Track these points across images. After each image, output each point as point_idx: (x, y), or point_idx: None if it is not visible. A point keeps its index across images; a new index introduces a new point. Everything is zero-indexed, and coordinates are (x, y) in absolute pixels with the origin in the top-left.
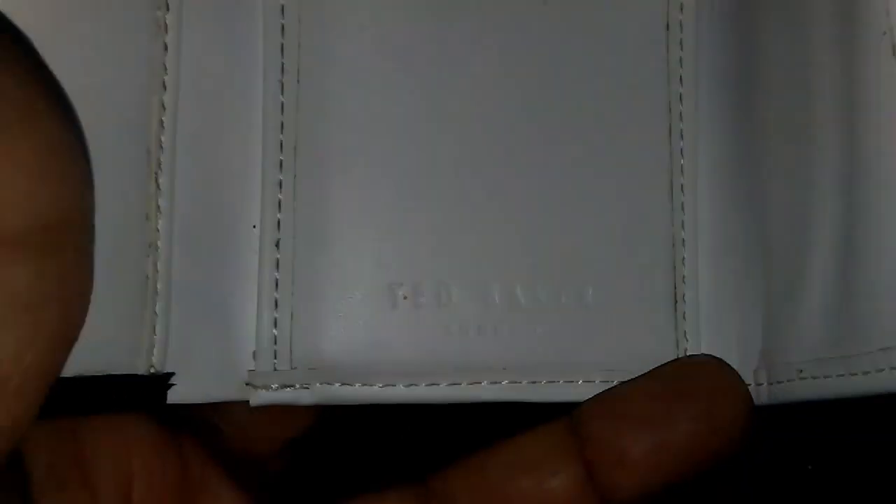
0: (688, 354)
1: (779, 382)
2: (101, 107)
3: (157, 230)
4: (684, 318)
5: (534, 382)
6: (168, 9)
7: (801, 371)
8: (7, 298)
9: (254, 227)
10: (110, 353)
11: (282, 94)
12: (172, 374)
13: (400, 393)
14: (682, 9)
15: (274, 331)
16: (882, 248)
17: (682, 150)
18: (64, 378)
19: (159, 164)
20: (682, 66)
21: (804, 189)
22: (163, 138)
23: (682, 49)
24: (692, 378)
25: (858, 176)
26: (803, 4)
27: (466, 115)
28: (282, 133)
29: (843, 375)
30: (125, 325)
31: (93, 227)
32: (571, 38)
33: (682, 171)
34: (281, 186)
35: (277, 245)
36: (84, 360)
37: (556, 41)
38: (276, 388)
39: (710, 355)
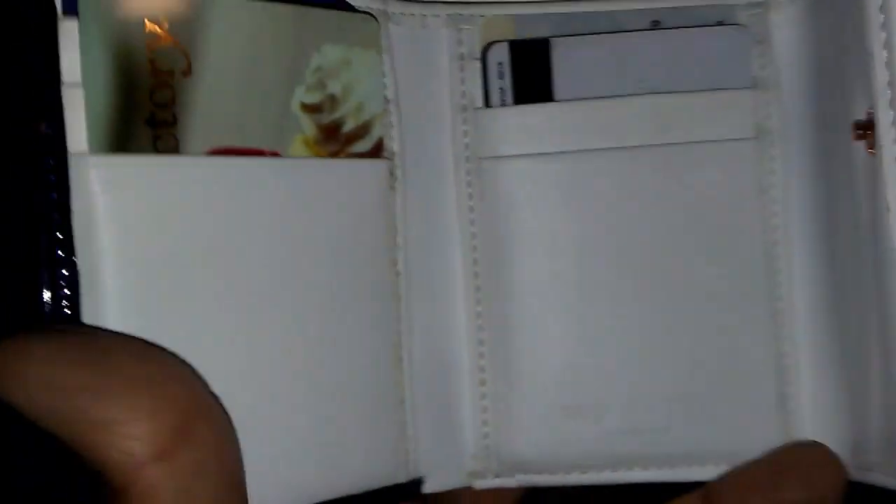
0: (794, 440)
1: (864, 469)
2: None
3: (403, 372)
4: (791, 413)
5: (674, 469)
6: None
7: (874, 462)
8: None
9: (465, 371)
10: (380, 470)
11: (477, 290)
12: (423, 476)
13: (576, 478)
14: (773, 173)
15: (486, 441)
16: None
17: (780, 283)
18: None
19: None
20: (775, 217)
21: (860, 320)
22: (402, 308)
23: (775, 204)
24: (798, 456)
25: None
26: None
27: (614, 269)
28: (478, 305)
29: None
30: (390, 447)
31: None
32: (688, 202)
33: (782, 298)
34: (482, 343)
35: (482, 383)
36: (359, 479)
37: (679, 206)
38: (491, 477)
39: (812, 440)
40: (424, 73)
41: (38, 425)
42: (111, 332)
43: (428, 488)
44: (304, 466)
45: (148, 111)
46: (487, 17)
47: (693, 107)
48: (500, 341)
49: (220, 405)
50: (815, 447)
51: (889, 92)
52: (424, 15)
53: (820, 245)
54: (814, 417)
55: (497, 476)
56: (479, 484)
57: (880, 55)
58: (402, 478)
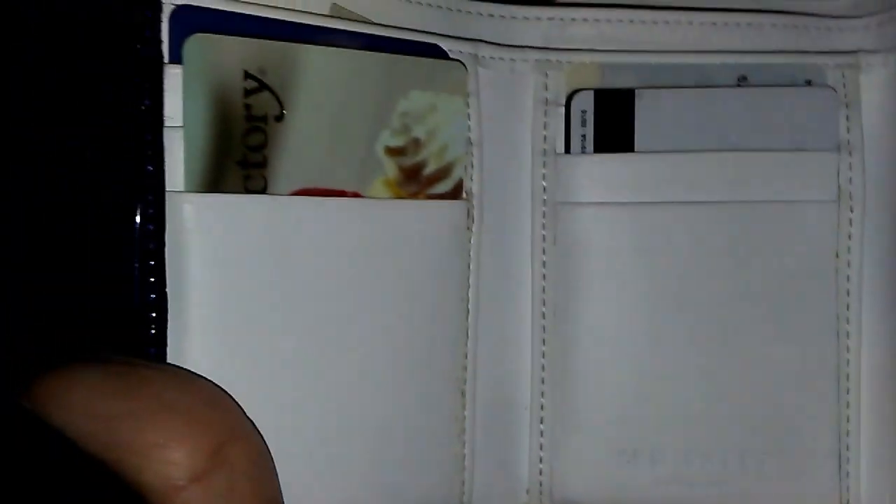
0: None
1: None
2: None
3: (464, 408)
4: (849, 477)
5: None
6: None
7: None
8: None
9: (525, 409)
10: (435, 501)
11: (543, 331)
12: None
13: None
14: (849, 237)
15: (540, 478)
16: None
17: (847, 347)
18: None
19: (465, 368)
20: (849, 281)
21: None
22: (469, 346)
23: (849, 268)
24: None
25: None
26: None
27: (680, 320)
28: (543, 346)
29: None
30: (447, 480)
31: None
32: (762, 261)
33: (848, 363)
34: (544, 383)
35: (541, 421)
36: None
37: (752, 264)
38: None
39: None
40: (509, 116)
41: (82, 449)
42: (151, 363)
43: None
44: (364, 495)
45: (241, 154)
46: (574, 64)
47: (775, 166)
48: (561, 383)
49: (255, 429)
50: None
51: None
52: (514, 59)
53: (890, 310)
54: (871, 484)
55: None
56: None
57: None
58: None
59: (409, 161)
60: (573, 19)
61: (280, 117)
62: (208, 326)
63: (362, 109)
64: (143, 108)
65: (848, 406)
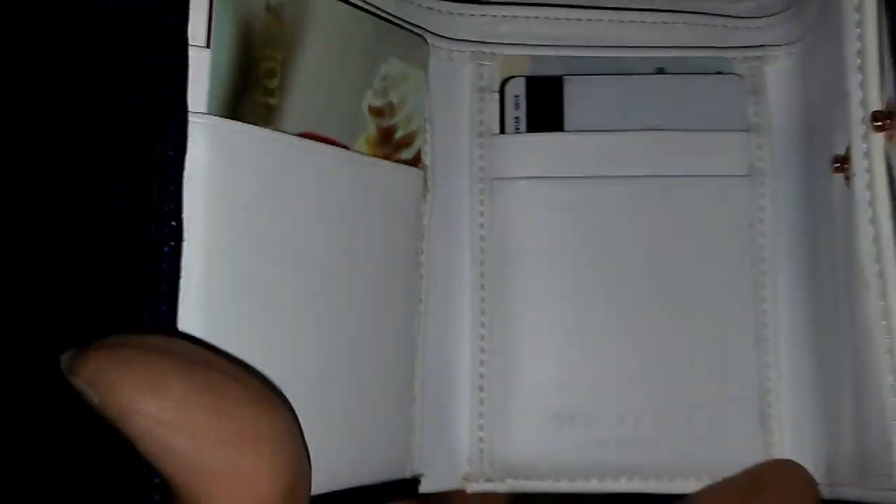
0: (773, 459)
1: (837, 486)
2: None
3: (417, 372)
4: (772, 433)
5: (659, 480)
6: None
7: (845, 479)
8: None
9: (465, 376)
10: (391, 464)
11: (482, 302)
12: (422, 474)
13: (564, 486)
14: (762, 209)
15: (480, 444)
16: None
17: (765, 311)
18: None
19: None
20: (763, 249)
21: (835, 345)
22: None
23: (763, 238)
24: (775, 474)
25: (856, 328)
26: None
27: (611, 288)
28: (482, 315)
29: (868, 489)
30: (401, 444)
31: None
32: (683, 231)
33: (766, 325)
34: (483, 352)
35: (481, 389)
36: (372, 470)
37: (675, 234)
38: (483, 482)
39: (789, 459)
40: (450, 101)
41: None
42: (238, 370)
43: (423, 488)
44: (328, 453)
45: (258, 87)
46: (506, 55)
47: (691, 144)
48: (499, 350)
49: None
50: (791, 467)
51: (863, 127)
52: (452, 50)
53: (803, 275)
54: (792, 437)
55: (488, 480)
56: (471, 487)
57: (856, 94)
58: (407, 473)
59: (385, 123)
60: (504, 16)
61: (292, 53)
62: (209, 251)
63: (354, 65)
64: (173, 25)
65: (767, 366)
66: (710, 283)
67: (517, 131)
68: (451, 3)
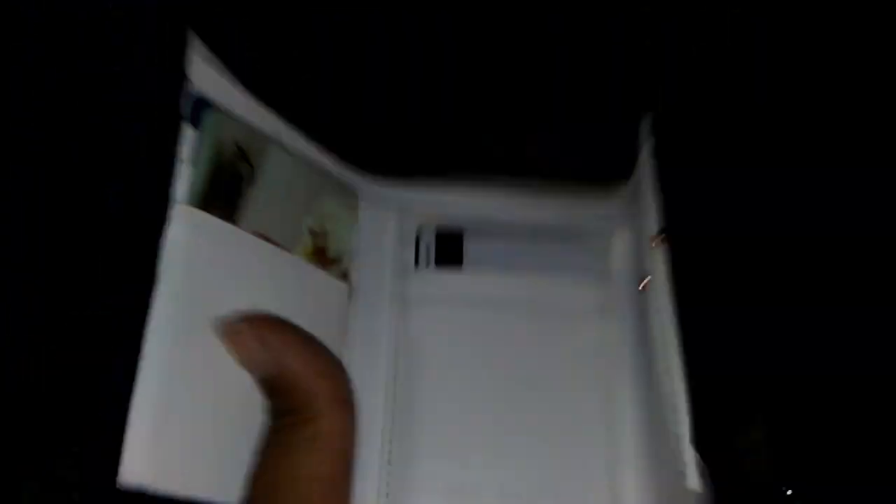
0: None
1: None
2: None
3: None
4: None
5: None
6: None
7: None
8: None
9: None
10: None
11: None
12: None
13: None
14: (609, 341)
15: None
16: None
17: (614, 414)
18: None
19: None
20: (612, 367)
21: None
22: None
23: (611, 355)
24: None
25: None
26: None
27: (495, 391)
28: (394, 403)
29: None
30: None
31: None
32: (550, 353)
33: (614, 423)
34: (390, 442)
35: (389, 463)
36: None
37: (543, 355)
38: None
39: None
40: (375, 240)
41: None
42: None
43: None
44: None
45: (223, 197)
46: (422, 214)
47: (556, 286)
48: (405, 439)
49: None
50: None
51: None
52: (379, 206)
53: (643, 382)
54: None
55: None
56: None
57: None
58: None
59: (319, 242)
60: (421, 189)
61: (252, 181)
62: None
63: (298, 195)
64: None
65: (619, 458)
66: (568, 396)
67: (427, 266)
68: (378, 178)
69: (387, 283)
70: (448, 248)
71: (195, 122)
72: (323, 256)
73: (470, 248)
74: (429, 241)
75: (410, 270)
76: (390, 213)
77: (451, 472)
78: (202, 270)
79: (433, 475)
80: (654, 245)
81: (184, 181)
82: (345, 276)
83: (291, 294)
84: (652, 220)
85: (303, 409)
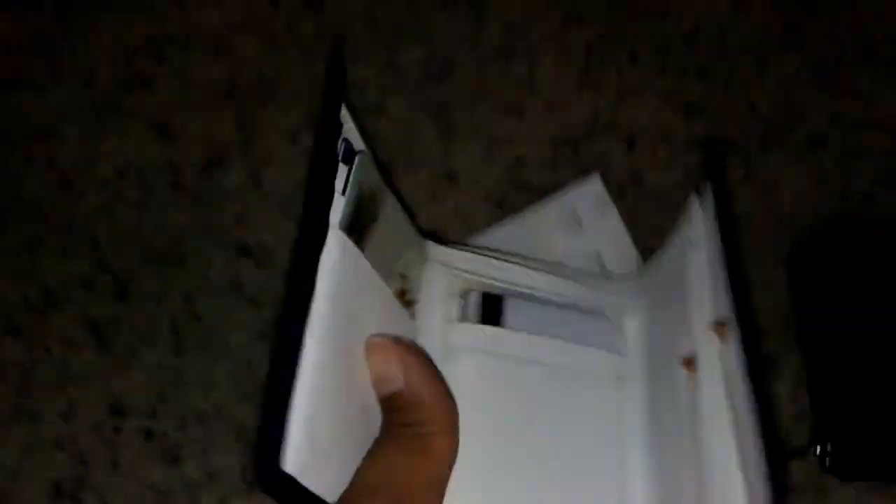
0: None
1: None
2: None
3: None
4: None
5: None
6: None
7: None
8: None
9: None
10: None
11: None
12: None
13: None
14: (625, 408)
15: None
16: None
17: (625, 465)
18: None
19: None
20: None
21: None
22: None
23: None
24: None
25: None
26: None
27: (520, 438)
28: None
29: None
30: None
31: None
32: (568, 418)
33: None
34: None
35: None
36: None
37: (564, 421)
38: None
39: None
40: (429, 291)
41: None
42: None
43: None
44: None
45: (360, 230)
46: (467, 279)
47: (578, 354)
48: None
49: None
50: None
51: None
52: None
53: (654, 445)
54: None
55: None
56: None
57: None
58: None
59: (404, 285)
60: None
61: (375, 220)
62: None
63: (398, 243)
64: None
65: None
66: (586, 449)
67: (473, 321)
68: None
69: (434, 328)
70: (491, 307)
71: (347, 161)
72: (404, 298)
73: (509, 310)
74: (476, 299)
75: (454, 322)
76: (445, 271)
77: None
78: (347, 289)
79: None
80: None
81: (337, 210)
82: (413, 318)
83: (392, 326)
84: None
85: (422, 425)
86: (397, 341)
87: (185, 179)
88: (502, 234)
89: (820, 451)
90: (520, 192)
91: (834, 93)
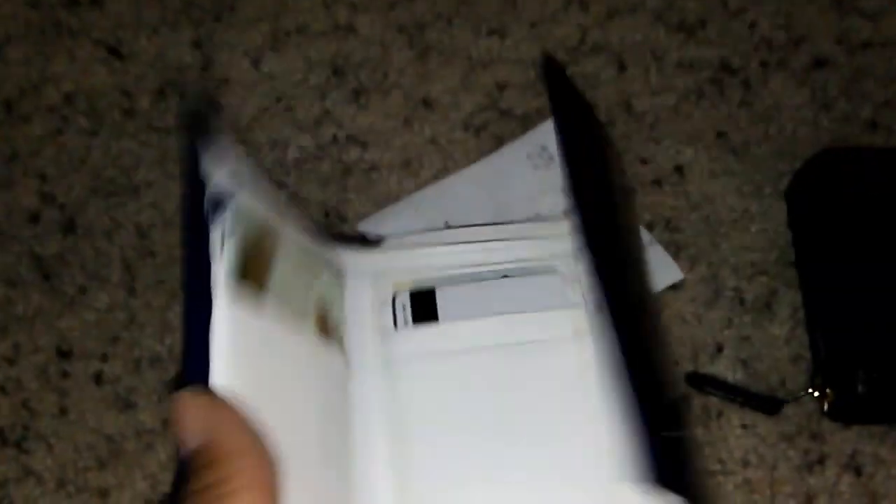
0: None
1: None
2: None
3: None
4: None
5: None
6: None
7: None
8: None
9: None
10: None
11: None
12: None
13: None
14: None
15: None
16: None
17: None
18: None
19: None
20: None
21: None
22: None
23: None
24: None
25: None
26: None
27: (482, 427)
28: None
29: None
30: None
31: None
32: (528, 382)
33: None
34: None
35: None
36: None
37: (522, 386)
38: None
39: None
40: (358, 307)
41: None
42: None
43: None
44: None
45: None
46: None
47: (531, 320)
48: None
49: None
50: None
51: None
52: (358, 277)
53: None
54: None
55: None
56: None
57: None
58: None
59: (322, 312)
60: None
61: (273, 256)
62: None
63: (306, 273)
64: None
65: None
66: (557, 413)
67: (405, 325)
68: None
69: (370, 346)
70: (423, 305)
71: (218, 214)
72: (324, 324)
73: (442, 301)
74: (404, 302)
75: (390, 332)
76: (368, 280)
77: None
78: (247, 350)
79: None
80: None
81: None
82: (340, 343)
83: (313, 369)
84: None
85: (226, 482)
86: (197, 393)
87: (137, 105)
88: (473, 174)
89: (818, 396)
90: (501, 121)
91: (840, 11)
